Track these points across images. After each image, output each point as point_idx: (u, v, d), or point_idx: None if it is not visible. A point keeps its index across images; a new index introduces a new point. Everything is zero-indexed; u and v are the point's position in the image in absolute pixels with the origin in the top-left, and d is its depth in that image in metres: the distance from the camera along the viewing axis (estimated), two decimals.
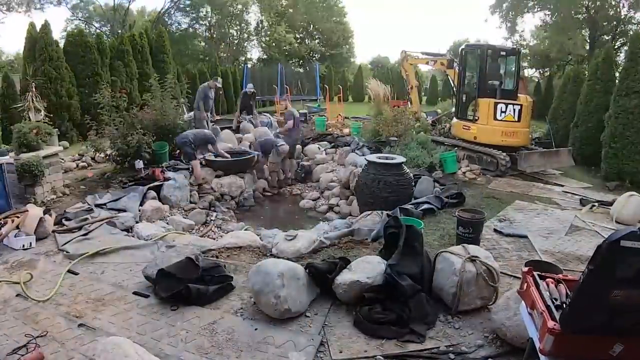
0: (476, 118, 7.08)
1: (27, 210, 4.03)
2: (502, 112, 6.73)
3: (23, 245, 3.68)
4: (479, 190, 5.77)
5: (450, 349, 2.32)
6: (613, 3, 18.70)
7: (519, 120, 6.75)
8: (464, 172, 6.58)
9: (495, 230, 4.05)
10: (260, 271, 2.68)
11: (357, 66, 30.21)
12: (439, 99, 20.32)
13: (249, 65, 20.39)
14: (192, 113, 8.44)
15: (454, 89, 8.25)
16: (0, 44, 42.54)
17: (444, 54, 9.83)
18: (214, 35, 27.91)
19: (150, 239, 3.99)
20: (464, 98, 7.63)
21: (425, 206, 4.62)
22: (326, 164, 8.46)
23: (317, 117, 11.32)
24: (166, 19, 27.18)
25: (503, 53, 7.29)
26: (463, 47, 7.95)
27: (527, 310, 1.92)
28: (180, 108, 7.59)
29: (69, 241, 3.82)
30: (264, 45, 27.48)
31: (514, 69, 7.37)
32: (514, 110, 6.71)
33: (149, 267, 3.05)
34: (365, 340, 2.42)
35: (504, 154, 6.56)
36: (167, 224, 4.98)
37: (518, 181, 6.31)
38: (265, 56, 27.72)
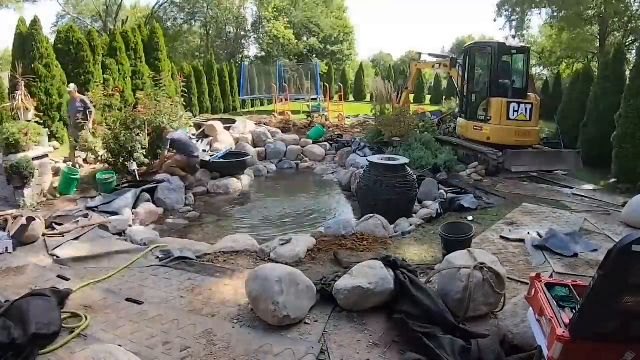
0: (488, 118, 6.82)
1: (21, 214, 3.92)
2: (514, 111, 6.54)
3: (7, 248, 3.55)
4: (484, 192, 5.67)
5: None
6: None
7: (530, 119, 6.63)
8: (470, 174, 6.50)
9: (501, 236, 3.93)
10: (258, 276, 2.60)
11: (358, 64, 29.98)
12: (443, 97, 20.26)
13: (246, 63, 20.17)
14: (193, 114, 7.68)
15: (457, 89, 8.09)
16: None
17: (447, 56, 9.63)
18: (210, 32, 27.61)
19: (144, 243, 3.89)
20: (473, 98, 7.35)
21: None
22: (327, 165, 8.37)
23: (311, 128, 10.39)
24: (161, 15, 26.85)
25: (514, 51, 7.13)
26: (469, 45, 7.75)
27: (535, 317, 1.87)
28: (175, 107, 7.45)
29: (59, 245, 3.71)
30: (261, 42, 27.16)
31: (522, 67, 7.22)
32: (526, 109, 6.57)
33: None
34: (367, 348, 2.35)
35: (496, 151, 6.48)
36: (162, 227, 4.88)
37: (525, 183, 6.21)
38: (263, 53, 27.44)
